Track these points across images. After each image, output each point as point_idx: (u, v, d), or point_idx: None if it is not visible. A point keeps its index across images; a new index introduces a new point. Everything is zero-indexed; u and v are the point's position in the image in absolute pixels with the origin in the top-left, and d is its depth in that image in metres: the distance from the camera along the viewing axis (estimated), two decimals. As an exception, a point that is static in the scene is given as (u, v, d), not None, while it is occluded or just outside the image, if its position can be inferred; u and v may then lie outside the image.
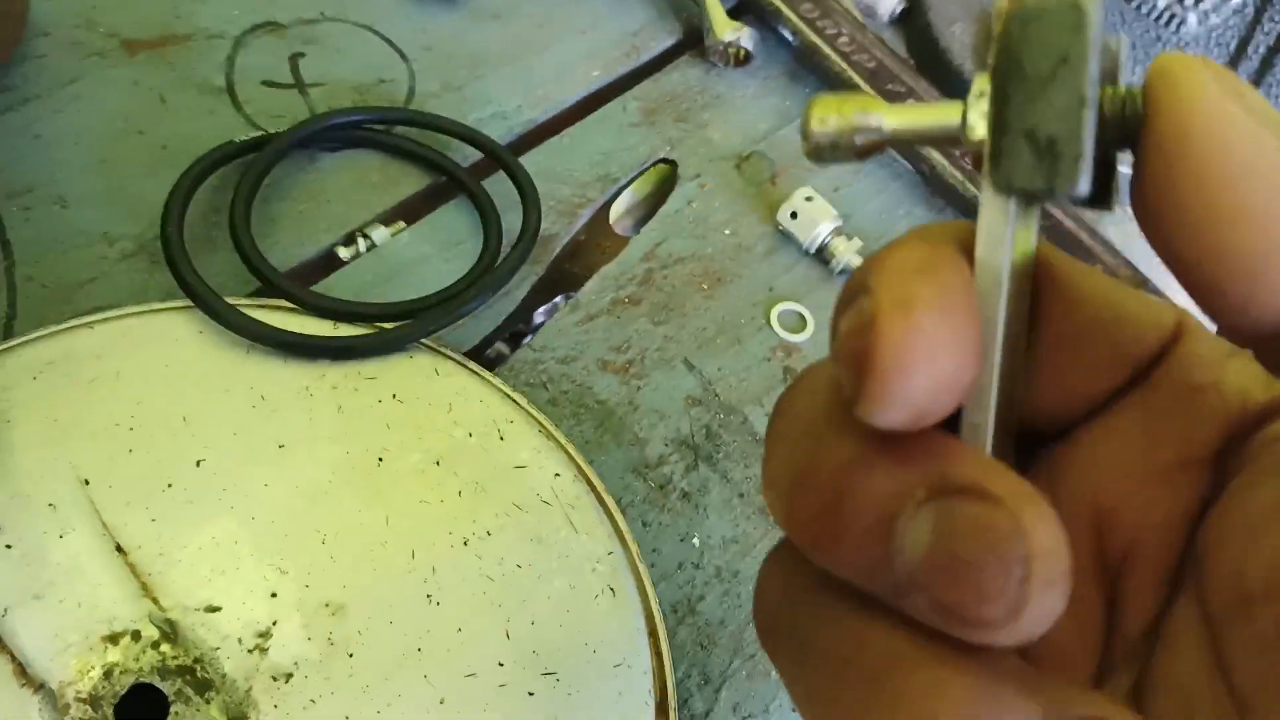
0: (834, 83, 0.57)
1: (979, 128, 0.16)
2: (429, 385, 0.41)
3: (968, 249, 0.16)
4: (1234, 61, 0.54)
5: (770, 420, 0.18)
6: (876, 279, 0.15)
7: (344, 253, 0.47)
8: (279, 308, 0.42)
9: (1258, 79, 0.53)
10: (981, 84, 0.16)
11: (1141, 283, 0.51)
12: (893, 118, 0.17)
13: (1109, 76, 0.16)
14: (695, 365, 0.47)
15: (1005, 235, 0.16)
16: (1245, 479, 0.16)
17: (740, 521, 0.43)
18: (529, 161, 0.52)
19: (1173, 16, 0.55)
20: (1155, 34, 0.56)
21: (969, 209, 0.53)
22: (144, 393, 0.38)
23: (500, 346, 0.47)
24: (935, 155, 0.54)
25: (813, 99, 0.18)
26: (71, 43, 0.50)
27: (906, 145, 0.17)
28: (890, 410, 0.14)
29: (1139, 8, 0.56)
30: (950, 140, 0.17)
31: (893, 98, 0.55)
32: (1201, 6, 0.54)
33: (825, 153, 0.17)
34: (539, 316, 0.49)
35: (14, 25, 0.48)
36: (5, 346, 0.38)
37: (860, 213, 0.54)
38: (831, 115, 0.17)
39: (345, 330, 0.41)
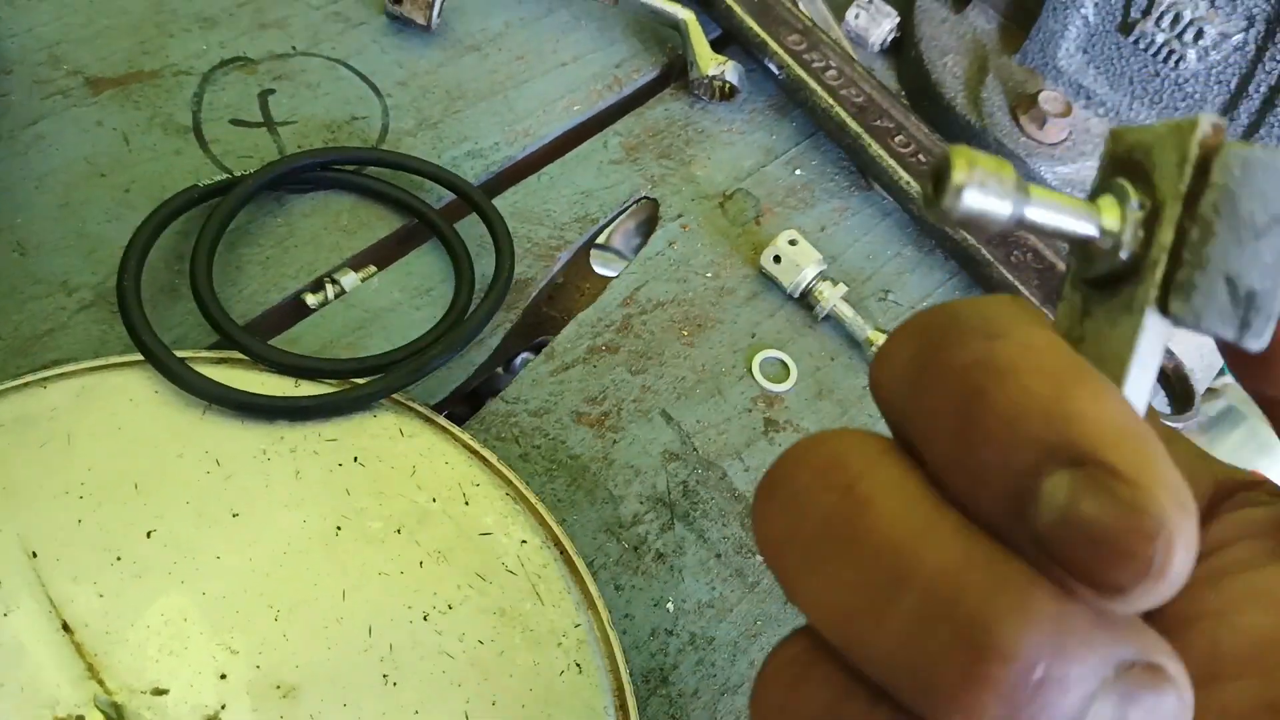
0: (821, 118, 0.55)
1: (1132, 242, 0.16)
2: (393, 446, 0.39)
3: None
4: (1234, 100, 0.52)
5: (810, 523, 0.16)
6: (1138, 470, 0.13)
7: (312, 300, 0.45)
8: (239, 362, 0.40)
9: (1259, 118, 0.51)
10: (1138, 196, 0.16)
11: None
12: (1036, 197, 0.16)
13: None
14: (674, 417, 0.46)
15: (1157, 358, 0.16)
16: (1219, 559, 0.18)
17: (716, 584, 0.42)
18: (506, 201, 0.50)
19: (1171, 53, 0.53)
20: (1154, 69, 0.55)
21: (959, 250, 0.52)
22: (96, 458, 0.36)
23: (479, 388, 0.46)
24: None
25: (955, 148, 0.15)
26: (35, 81, 0.49)
27: (1033, 231, 0.15)
28: (1156, 600, 0.13)
29: (1136, 43, 0.54)
30: (1082, 240, 0.16)
31: (881, 134, 0.54)
32: (1201, 43, 0.52)
33: (955, 212, 0.15)
34: (517, 364, 0.47)
35: (-26, 65, 0.47)
36: (-44, 405, 0.37)
37: (848, 252, 0.53)
38: (985, 172, 0.15)
39: (307, 388, 0.40)
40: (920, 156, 0.54)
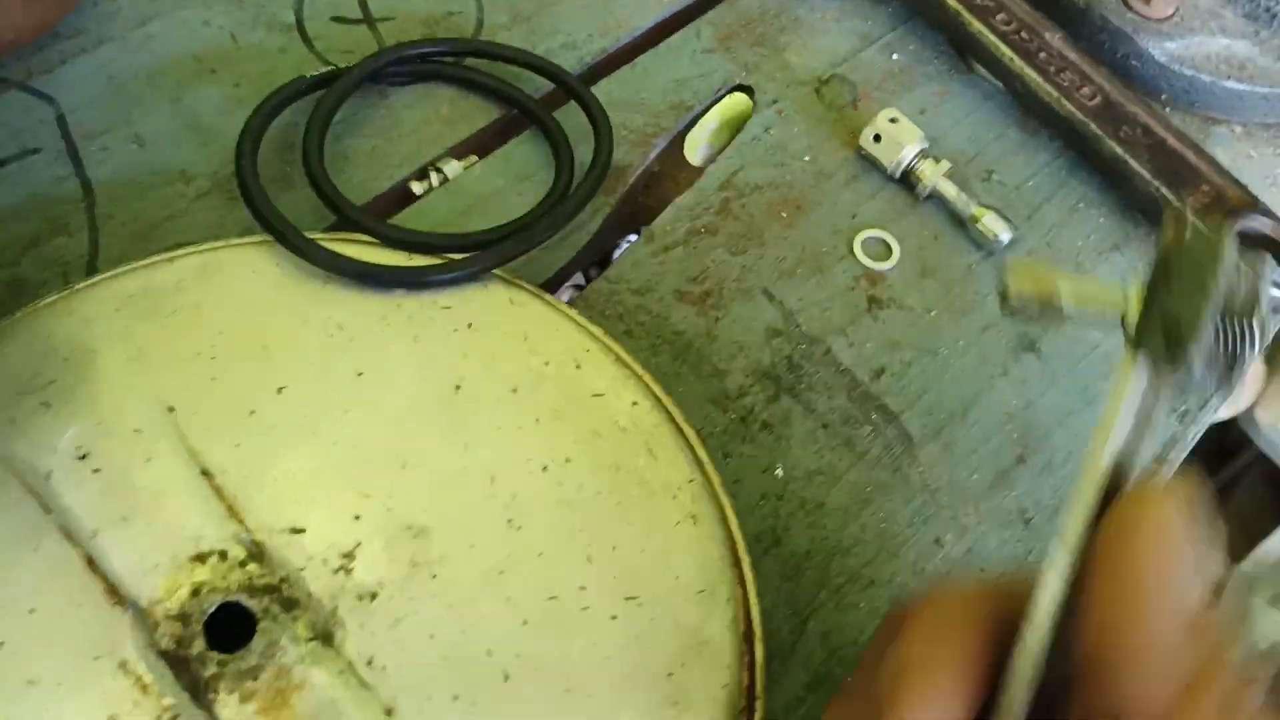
0: (922, 4, 0.54)
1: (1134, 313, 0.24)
2: (504, 315, 0.40)
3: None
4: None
5: None
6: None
7: (417, 187, 0.46)
8: (355, 240, 0.41)
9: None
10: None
11: (1251, 202, 0.48)
12: (1068, 287, 0.25)
13: (1239, 290, 0.23)
14: (775, 295, 0.46)
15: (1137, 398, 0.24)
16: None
17: (825, 453, 0.42)
18: (601, 91, 0.50)
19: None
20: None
21: (1064, 128, 0.50)
22: (224, 323, 0.38)
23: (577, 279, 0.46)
24: (1028, 71, 0.51)
25: (1010, 263, 0.26)
26: (144, -16, 0.50)
27: (1075, 318, 0.26)
28: None
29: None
30: (1111, 319, 0.24)
31: (981, 12, 0.52)
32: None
33: (1017, 312, 0.26)
34: (617, 252, 0.48)
35: (89, -33, 0.49)
36: (88, 283, 0.38)
37: (950, 135, 0.52)
38: (1025, 296, 0.26)
39: (420, 261, 0.41)
40: (1023, 34, 0.52)
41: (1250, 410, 1.50)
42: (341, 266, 0.39)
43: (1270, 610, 1.36)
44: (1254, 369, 1.53)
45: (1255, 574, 1.40)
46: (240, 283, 0.39)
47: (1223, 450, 1.51)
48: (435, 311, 0.39)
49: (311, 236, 0.40)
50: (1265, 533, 1.43)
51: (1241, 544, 1.50)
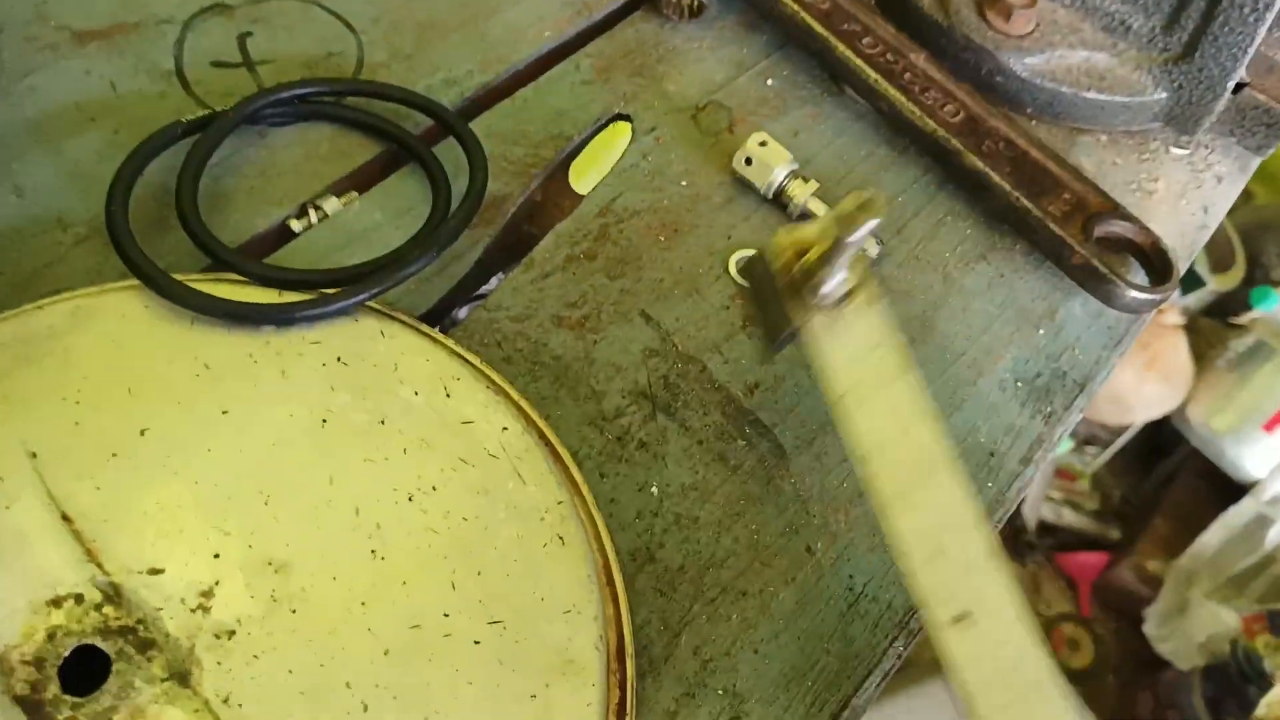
0: (789, 27, 0.56)
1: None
2: (374, 347, 0.41)
3: None
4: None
5: None
6: None
7: (296, 225, 0.47)
8: (228, 280, 0.42)
9: (1211, 6, 0.51)
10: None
11: (1111, 207, 0.50)
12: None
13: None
14: (653, 316, 0.47)
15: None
16: None
17: (699, 469, 0.43)
18: (481, 125, 0.51)
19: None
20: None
21: (929, 145, 0.52)
22: (91, 368, 0.38)
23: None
24: (893, 92, 0.53)
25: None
26: (24, 38, 0.50)
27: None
28: None
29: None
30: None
31: (848, 37, 0.54)
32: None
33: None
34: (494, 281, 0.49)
35: (-38, 22, 0.49)
36: (-40, 333, 0.38)
37: (822, 155, 0.54)
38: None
39: (291, 298, 0.41)
40: (888, 56, 0.54)
41: (1182, 408, 1.53)
42: (207, 306, 0.39)
43: (1207, 603, 1.38)
44: (1184, 368, 1.55)
45: (1192, 568, 1.43)
46: (109, 327, 0.40)
47: (1158, 447, 1.54)
48: (304, 347, 0.40)
49: (182, 278, 0.40)
50: (1200, 525, 1.46)
51: (1178, 537, 1.53)
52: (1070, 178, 0.51)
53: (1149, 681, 1.32)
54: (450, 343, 0.42)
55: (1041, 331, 0.49)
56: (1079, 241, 0.49)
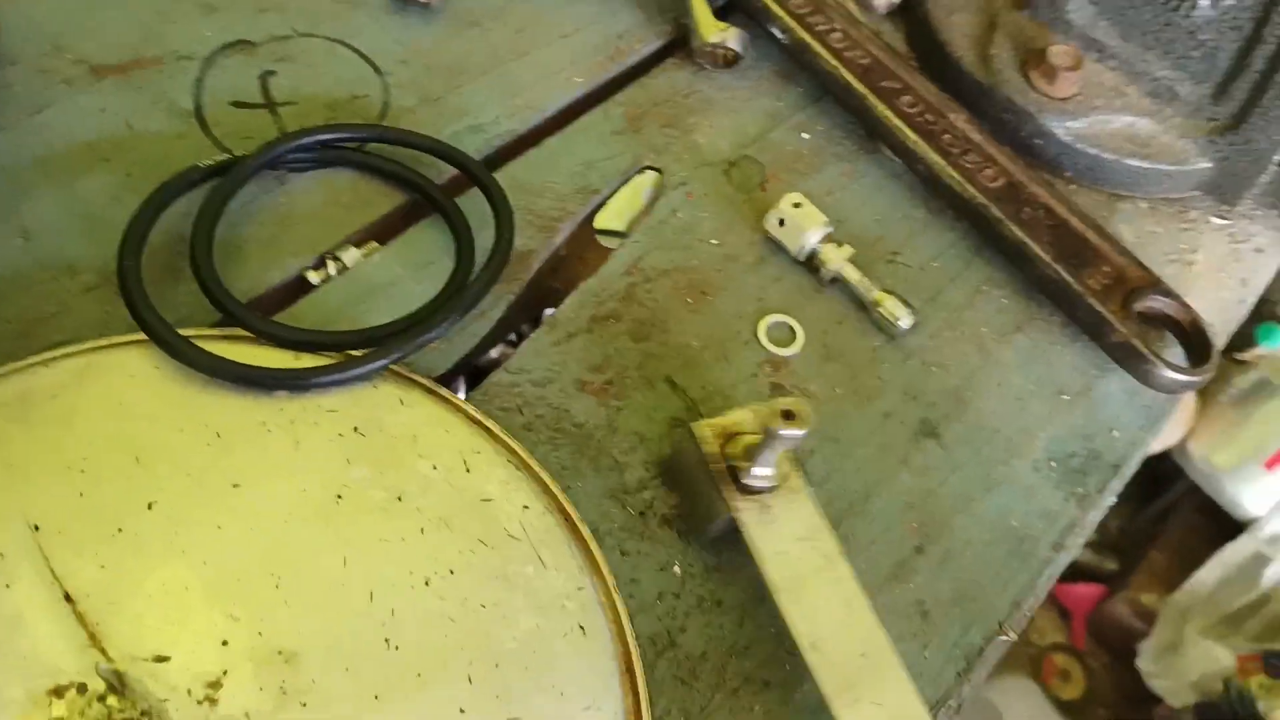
0: (826, 81, 0.54)
1: None
2: (393, 416, 0.39)
3: None
4: (1249, 46, 0.51)
5: None
6: None
7: (314, 277, 0.45)
8: (240, 338, 0.40)
9: (1272, 65, 0.50)
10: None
11: (1152, 282, 0.49)
12: None
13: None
14: (679, 383, 0.45)
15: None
16: None
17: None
18: (507, 174, 0.50)
19: (1183, 0, 0.52)
20: (1165, 19, 0.53)
21: (967, 210, 0.51)
22: (97, 433, 0.36)
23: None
24: (932, 155, 0.51)
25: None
26: (38, 71, 0.49)
27: None
28: None
29: (1148, -10, 0.53)
30: None
31: (887, 94, 0.53)
32: (1214, -13, 0.51)
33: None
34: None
35: (-23, 55, 0.48)
36: (-37, 386, 0.37)
37: (856, 215, 0.52)
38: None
39: (307, 361, 0.40)
40: (928, 116, 0.53)
41: (1183, 442, 1.51)
42: (220, 370, 0.38)
43: (1201, 640, 1.36)
44: (1187, 402, 1.54)
45: (1188, 604, 1.41)
46: (117, 387, 0.38)
47: (1157, 480, 1.53)
48: (319, 415, 0.38)
49: (193, 335, 0.39)
50: (1197, 560, 1.44)
51: (1176, 572, 1.51)
52: (1111, 249, 0.49)
53: (1140, 717, 1.31)
54: (470, 409, 0.41)
55: (1077, 410, 0.48)
56: (1119, 318, 0.47)
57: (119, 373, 0.38)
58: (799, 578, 0.37)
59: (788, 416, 0.35)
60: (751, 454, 0.38)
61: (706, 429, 0.39)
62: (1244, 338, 1.49)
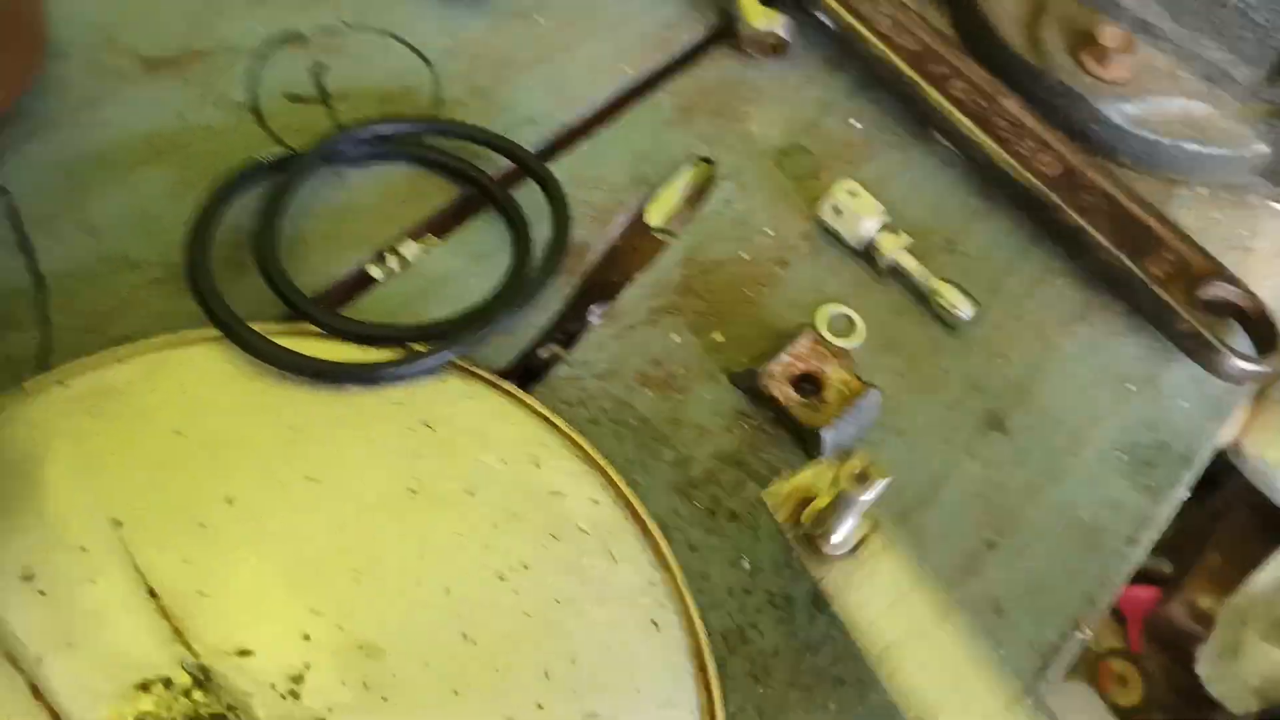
0: (876, 68, 0.54)
1: None
2: (460, 409, 0.39)
3: None
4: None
5: None
6: None
7: (376, 271, 0.45)
8: (309, 333, 0.41)
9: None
10: None
11: (1215, 270, 0.48)
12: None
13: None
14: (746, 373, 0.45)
15: None
16: None
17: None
18: (561, 167, 0.50)
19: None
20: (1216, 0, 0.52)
21: (1024, 197, 0.50)
22: (173, 428, 0.37)
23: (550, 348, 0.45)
24: (987, 141, 0.51)
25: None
26: (91, 63, 0.49)
27: None
28: None
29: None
30: None
31: (937, 79, 0.52)
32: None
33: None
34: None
35: (35, 53, 0.48)
36: (37, 383, 0.37)
37: (911, 204, 0.52)
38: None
39: (374, 354, 0.40)
40: (979, 101, 0.52)
41: (1236, 440, 1.50)
42: (293, 364, 0.38)
43: (1262, 644, 1.35)
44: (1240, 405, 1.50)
45: (1245, 607, 1.40)
46: (190, 382, 0.38)
47: (1211, 477, 1.51)
48: (389, 408, 0.39)
49: (264, 329, 0.39)
50: (1253, 561, 1.42)
51: (1230, 573, 1.50)
52: (1172, 236, 0.49)
53: (1201, 723, 1.30)
54: (535, 404, 0.41)
55: (1143, 400, 0.47)
56: (1184, 306, 0.47)
57: (191, 367, 0.38)
58: (896, 644, 0.37)
59: (862, 479, 0.35)
60: (825, 519, 0.37)
61: (778, 495, 0.39)
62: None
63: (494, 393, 0.40)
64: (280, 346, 0.38)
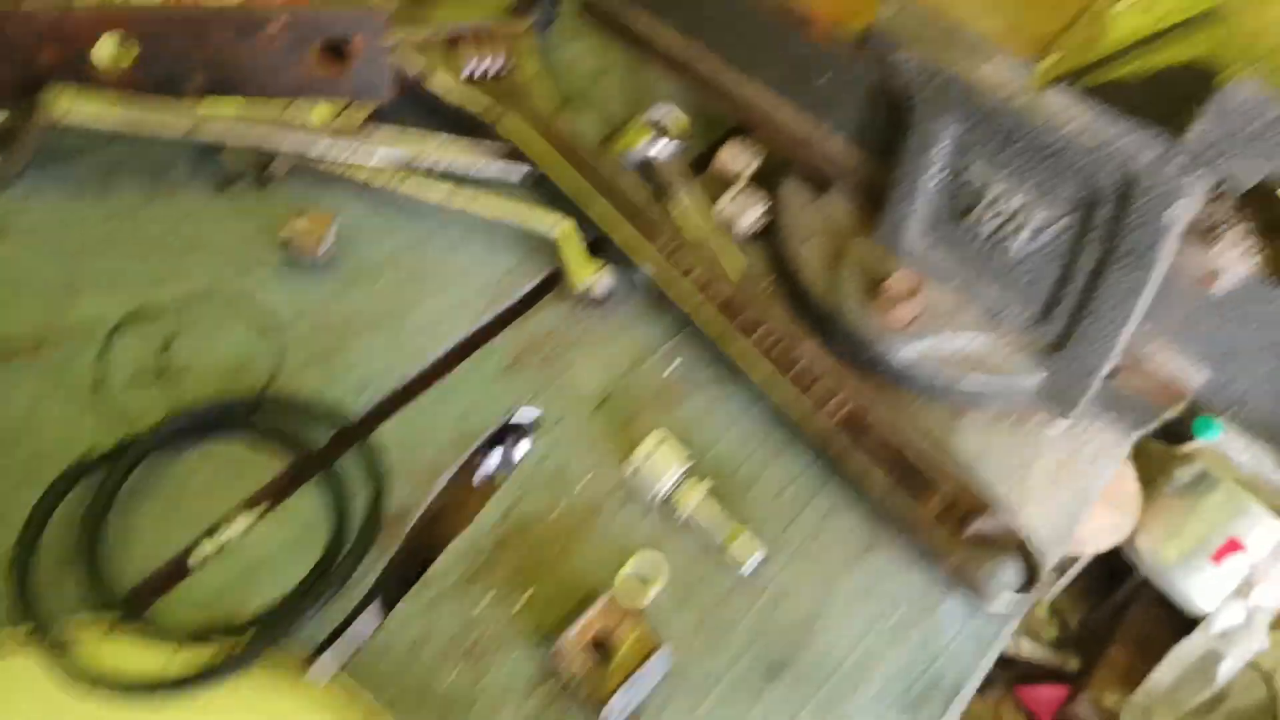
0: (691, 314, 0.59)
1: None
2: (269, 707, 0.42)
3: None
4: (1065, 275, 0.56)
5: None
6: None
7: (200, 552, 0.49)
8: (129, 629, 0.44)
9: (1090, 288, 0.54)
10: None
11: (983, 506, 0.53)
12: None
13: None
14: (547, 637, 0.48)
15: None
16: None
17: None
18: (395, 423, 0.54)
19: (1001, 239, 0.57)
20: (990, 250, 0.58)
21: (817, 439, 0.55)
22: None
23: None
24: (785, 385, 0.56)
25: None
26: (-48, 355, 0.53)
27: None
28: None
29: (969, 230, 0.58)
30: None
31: (746, 327, 0.57)
32: (1026, 230, 0.56)
33: None
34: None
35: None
36: None
37: (719, 444, 0.56)
38: None
39: (184, 662, 0.43)
40: (782, 346, 0.57)
41: (1132, 537, 1.53)
42: (103, 682, 0.41)
43: None
44: (1133, 496, 1.55)
45: (1148, 704, 1.42)
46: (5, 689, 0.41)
47: (1114, 572, 1.54)
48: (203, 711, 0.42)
49: (86, 622, 0.42)
50: (1159, 654, 1.45)
51: (1136, 667, 1.52)
52: (947, 473, 0.54)
53: (1118, 819, 1.30)
54: (331, 697, 0.44)
55: (919, 635, 0.51)
56: (952, 544, 0.51)
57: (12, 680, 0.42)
58: None
59: None
60: None
61: None
62: (1182, 431, 1.53)
63: (287, 693, 0.44)
64: (91, 670, 0.41)
